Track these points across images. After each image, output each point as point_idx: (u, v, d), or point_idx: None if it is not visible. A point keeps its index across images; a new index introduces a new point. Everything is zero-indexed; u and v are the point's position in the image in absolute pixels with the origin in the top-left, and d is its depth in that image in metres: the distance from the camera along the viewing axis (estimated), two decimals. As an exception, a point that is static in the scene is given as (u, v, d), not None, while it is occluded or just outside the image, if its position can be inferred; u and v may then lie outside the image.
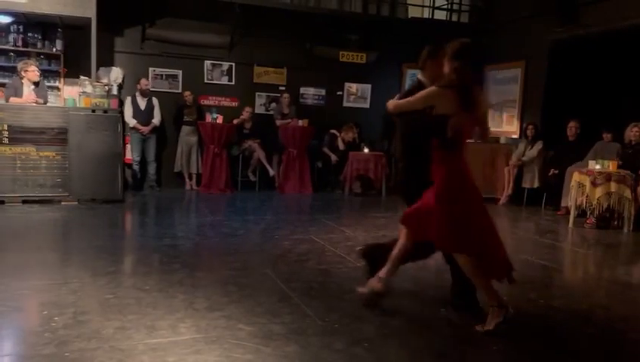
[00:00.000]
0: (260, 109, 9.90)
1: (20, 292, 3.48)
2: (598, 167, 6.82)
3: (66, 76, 8.36)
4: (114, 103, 7.30)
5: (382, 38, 10.06)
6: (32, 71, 7.06)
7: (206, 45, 9.45)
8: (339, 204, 8.63)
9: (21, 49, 8.54)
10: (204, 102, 9.53)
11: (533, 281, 4.26)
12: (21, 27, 8.55)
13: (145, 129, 8.54)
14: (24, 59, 7.72)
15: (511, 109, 9.88)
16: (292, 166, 9.25)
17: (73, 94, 6.98)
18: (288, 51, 9.84)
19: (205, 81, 9.61)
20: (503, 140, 9.71)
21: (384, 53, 10.04)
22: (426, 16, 10.59)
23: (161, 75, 9.34)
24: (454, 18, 10.86)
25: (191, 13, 9.13)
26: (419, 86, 3.42)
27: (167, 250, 4.79)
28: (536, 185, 8.49)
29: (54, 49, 8.69)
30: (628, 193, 6.56)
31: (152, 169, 8.75)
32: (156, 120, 8.67)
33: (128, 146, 8.60)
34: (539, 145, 8.50)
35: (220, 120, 9.06)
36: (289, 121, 9.35)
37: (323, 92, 10.33)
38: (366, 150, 9.42)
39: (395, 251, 3.35)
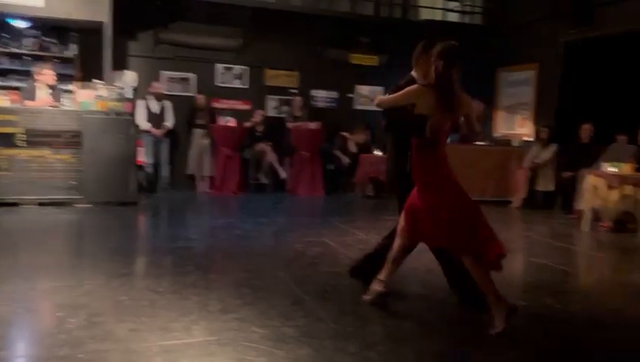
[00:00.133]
0: (271, 112, 9.93)
1: (35, 294, 3.51)
2: (613, 169, 6.74)
3: (81, 80, 8.44)
4: (128, 107, 7.34)
5: (393, 40, 10.02)
6: (47, 75, 7.13)
7: (218, 48, 9.49)
8: (351, 206, 8.62)
9: (37, 53, 8.66)
10: (217, 105, 9.57)
11: (548, 285, 4.22)
12: (37, 31, 8.67)
13: (158, 132, 8.59)
14: (39, 63, 7.81)
15: (524, 112, 9.81)
16: (304, 168, 9.26)
17: (87, 98, 7.04)
18: (300, 54, 9.85)
19: (217, 84, 9.66)
20: (516, 143, 9.64)
21: (396, 55, 9.99)
22: (438, 18, 10.55)
23: (174, 79, 9.40)
24: (467, 20, 10.82)
25: (203, 17, 9.18)
26: (410, 82, 3.45)
27: (181, 251, 4.80)
28: (550, 188, 8.41)
29: (69, 53, 8.80)
30: (644, 196, 6.47)
31: (165, 171, 8.80)
32: (169, 123, 8.72)
33: (140, 149, 8.65)
34: (553, 148, 8.42)
35: (232, 123, 9.10)
36: (300, 123, 9.37)
37: (334, 94, 10.33)
38: (378, 152, 9.40)
39: (394, 252, 3.37)
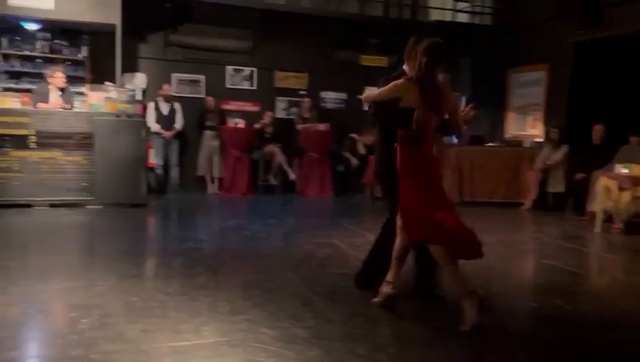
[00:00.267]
0: (280, 114, 9.95)
1: (47, 295, 3.54)
2: (625, 171, 6.68)
3: (92, 82, 8.51)
4: (138, 109, 7.40)
5: (403, 41, 9.95)
6: (58, 77, 7.19)
7: (228, 50, 9.53)
8: (360, 207, 8.61)
9: (48, 55, 8.75)
10: (226, 107, 9.60)
11: (559, 287, 4.19)
12: (48, 34, 8.75)
13: (167, 134, 8.63)
14: (51, 65, 7.88)
15: (535, 113, 9.75)
16: (313, 170, 9.26)
17: (98, 100, 7.09)
18: (309, 56, 9.86)
19: (227, 86, 9.69)
20: (527, 144, 9.58)
21: (405, 56, 9.99)
22: (447, 19, 10.52)
23: (184, 81, 9.44)
24: (476, 21, 10.78)
25: (213, 19, 9.22)
26: (401, 75, 3.48)
27: (190, 253, 4.82)
28: (561, 189, 8.35)
29: (80, 55, 8.87)
30: (656, 198, 6.41)
31: (175, 173, 8.84)
32: (178, 125, 8.76)
33: (150, 151, 8.69)
34: (564, 149, 8.36)
35: (241, 125, 9.13)
36: (309, 125, 9.38)
37: (344, 96, 10.33)
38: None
39: (395, 251, 3.38)
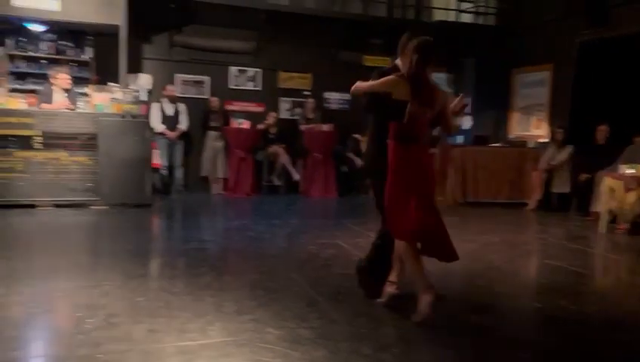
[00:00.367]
0: (284, 114, 9.96)
1: (53, 295, 3.56)
2: (630, 171, 6.66)
3: (96, 83, 8.54)
4: (143, 109, 7.41)
5: (407, 42, 10.01)
6: (61, 78, 7.22)
7: (232, 51, 9.55)
8: (364, 208, 8.59)
9: (53, 56, 8.79)
10: (230, 107, 9.62)
11: (564, 287, 4.18)
12: (53, 35, 8.80)
13: (172, 134, 8.65)
14: (56, 66, 7.92)
15: (539, 113, 9.74)
16: (317, 170, 9.27)
17: (103, 100, 7.11)
18: (313, 56, 9.87)
19: (231, 86, 9.71)
20: (531, 144, 9.57)
21: (409, 57, 9.99)
22: (451, 19, 10.51)
23: (189, 81, 9.47)
24: (480, 21, 10.77)
25: (217, 20, 9.24)
26: (393, 69, 3.50)
27: (195, 253, 4.84)
28: (565, 190, 8.33)
29: (85, 56, 8.91)
30: (661, 198, 6.39)
31: (179, 174, 8.85)
32: (183, 125, 8.78)
33: (155, 151, 8.71)
34: (568, 150, 8.35)
35: (245, 125, 9.14)
36: (313, 125, 9.39)
37: (347, 96, 10.32)
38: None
39: (396, 251, 3.39)
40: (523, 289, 4.31)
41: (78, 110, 7.11)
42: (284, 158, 9.30)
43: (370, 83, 3.39)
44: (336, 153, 9.53)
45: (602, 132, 7.97)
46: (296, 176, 9.40)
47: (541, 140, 9.51)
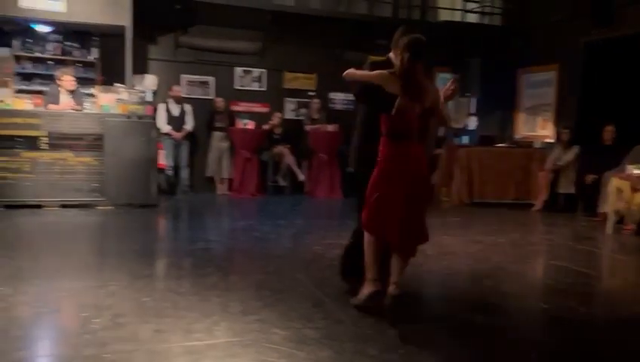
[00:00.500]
0: (289, 115, 9.96)
1: (60, 294, 3.57)
2: (637, 171, 6.63)
3: (102, 83, 8.57)
4: (148, 110, 7.43)
5: (412, 42, 9.99)
6: (66, 80, 7.24)
7: (237, 52, 9.56)
8: (369, 209, 8.58)
9: (59, 57, 8.82)
10: (235, 108, 9.63)
11: (570, 288, 4.16)
12: (59, 36, 8.83)
13: (177, 135, 8.67)
14: (62, 67, 7.95)
15: (546, 113, 9.70)
16: (322, 171, 9.27)
17: (109, 101, 7.14)
18: (318, 57, 9.86)
19: (236, 87, 9.72)
20: (537, 145, 9.53)
21: (415, 57, 9.97)
22: (457, 19, 10.49)
23: (194, 82, 9.48)
24: (486, 21, 10.74)
25: (223, 21, 9.25)
26: (386, 62, 3.53)
27: (201, 253, 4.85)
28: (572, 190, 8.30)
29: (90, 57, 8.94)
30: (669, 198, 6.36)
31: (184, 174, 8.87)
32: (189, 126, 8.80)
33: (161, 152, 8.73)
34: (575, 150, 8.32)
35: (250, 126, 9.15)
36: (318, 126, 9.38)
37: (352, 97, 10.30)
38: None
39: (395, 252, 3.37)
40: (529, 290, 4.29)
41: (84, 111, 7.13)
42: (289, 159, 9.31)
43: (363, 73, 3.44)
44: (342, 153, 9.52)
45: (609, 132, 7.93)
46: (302, 177, 9.40)
47: (547, 140, 9.47)
